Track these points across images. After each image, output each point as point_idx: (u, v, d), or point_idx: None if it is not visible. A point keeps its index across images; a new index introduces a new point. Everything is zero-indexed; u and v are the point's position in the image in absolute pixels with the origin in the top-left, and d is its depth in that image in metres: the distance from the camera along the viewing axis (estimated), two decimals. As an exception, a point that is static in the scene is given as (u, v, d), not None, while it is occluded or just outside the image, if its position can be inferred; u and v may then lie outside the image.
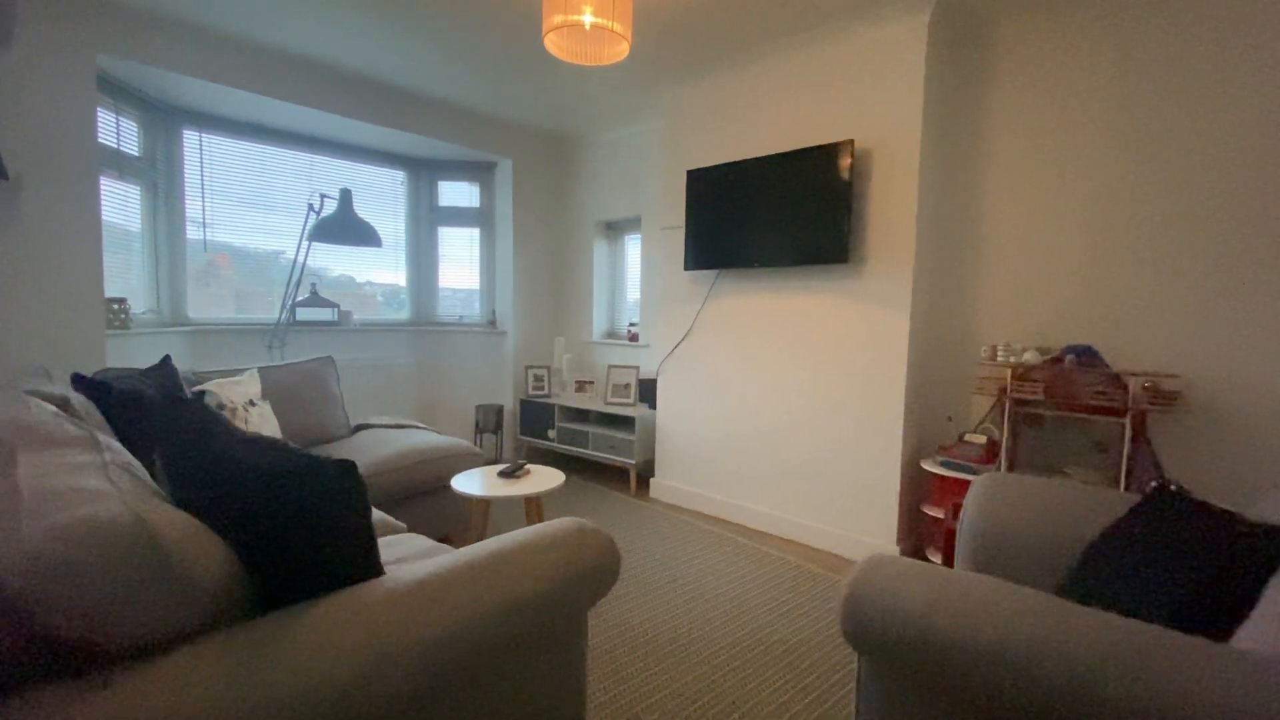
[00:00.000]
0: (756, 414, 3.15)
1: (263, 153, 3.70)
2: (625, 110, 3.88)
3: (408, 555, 1.59)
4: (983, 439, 2.56)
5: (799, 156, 2.80)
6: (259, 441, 1.07)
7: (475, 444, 4.34)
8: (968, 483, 2.46)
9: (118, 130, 3.00)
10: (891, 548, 2.67)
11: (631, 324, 4.39)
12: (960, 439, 2.63)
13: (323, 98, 3.43)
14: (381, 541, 1.73)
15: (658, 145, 3.90)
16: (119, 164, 3.02)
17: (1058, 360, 2.38)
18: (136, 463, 1.17)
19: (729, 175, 3.08)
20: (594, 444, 3.87)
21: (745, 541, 2.93)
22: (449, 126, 3.97)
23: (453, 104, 3.92)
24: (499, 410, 4.31)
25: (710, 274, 3.31)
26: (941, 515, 2.54)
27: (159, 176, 3.32)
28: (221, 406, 2.28)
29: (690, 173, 3.25)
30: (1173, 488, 2.16)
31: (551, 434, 4.10)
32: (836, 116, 2.79)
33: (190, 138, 3.43)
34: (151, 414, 1.10)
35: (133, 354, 2.98)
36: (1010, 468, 2.47)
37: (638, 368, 3.99)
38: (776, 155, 2.89)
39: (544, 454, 4.55)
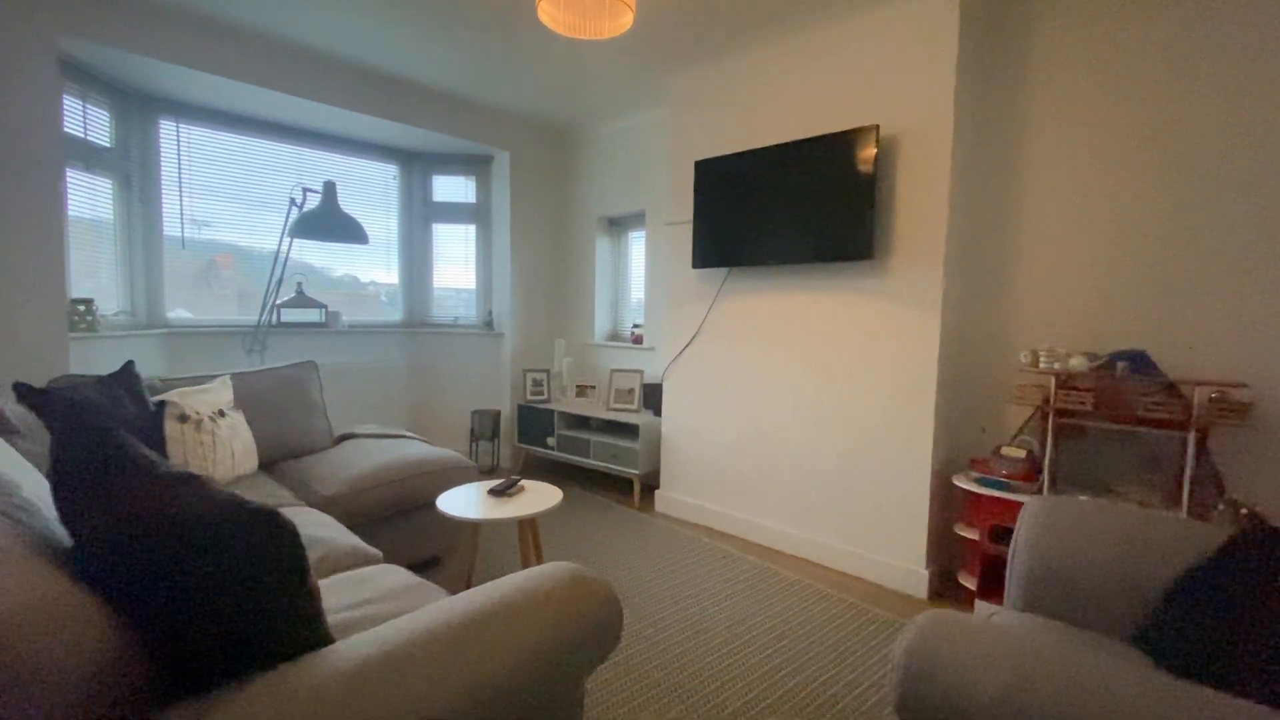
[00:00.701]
0: (771, 423, 2.93)
1: (246, 144, 3.49)
2: (629, 98, 3.66)
3: (376, 596, 1.38)
4: (1021, 453, 2.33)
5: (818, 144, 2.58)
6: (172, 479, 0.86)
7: (470, 451, 4.14)
8: (1005, 501, 2.24)
9: (85, 119, 2.80)
10: (920, 571, 2.45)
11: (635, 326, 4.17)
12: (995, 452, 2.40)
13: (309, 85, 3.23)
14: (350, 577, 1.52)
15: (663, 136, 3.68)
16: (87, 155, 2.82)
17: (1108, 367, 2.15)
18: (32, 504, 0.95)
19: (741, 165, 2.86)
20: (595, 453, 3.65)
21: (760, 562, 2.71)
22: (443, 117, 3.76)
23: (447, 92, 3.71)
24: (495, 416, 4.10)
25: (720, 272, 3.09)
26: (976, 537, 2.32)
27: (133, 169, 3.12)
28: (184, 418, 2.07)
29: (699, 163, 3.03)
30: (1243, 511, 1.94)
31: (551, 442, 3.88)
32: (860, 100, 2.56)
33: (167, 128, 3.23)
34: (54, 442, 0.88)
35: (100, 359, 2.78)
36: (1052, 484, 2.24)
37: (642, 372, 3.77)
38: (793, 143, 2.66)
39: (543, 462, 4.34)
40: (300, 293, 3.65)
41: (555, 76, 3.38)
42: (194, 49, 2.84)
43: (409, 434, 2.94)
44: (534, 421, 3.99)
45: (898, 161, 2.46)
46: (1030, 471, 2.28)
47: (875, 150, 2.41)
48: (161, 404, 2.06)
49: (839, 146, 2.51)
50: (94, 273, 2.92)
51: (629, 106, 3.79)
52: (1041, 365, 2.22)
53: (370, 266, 4.14)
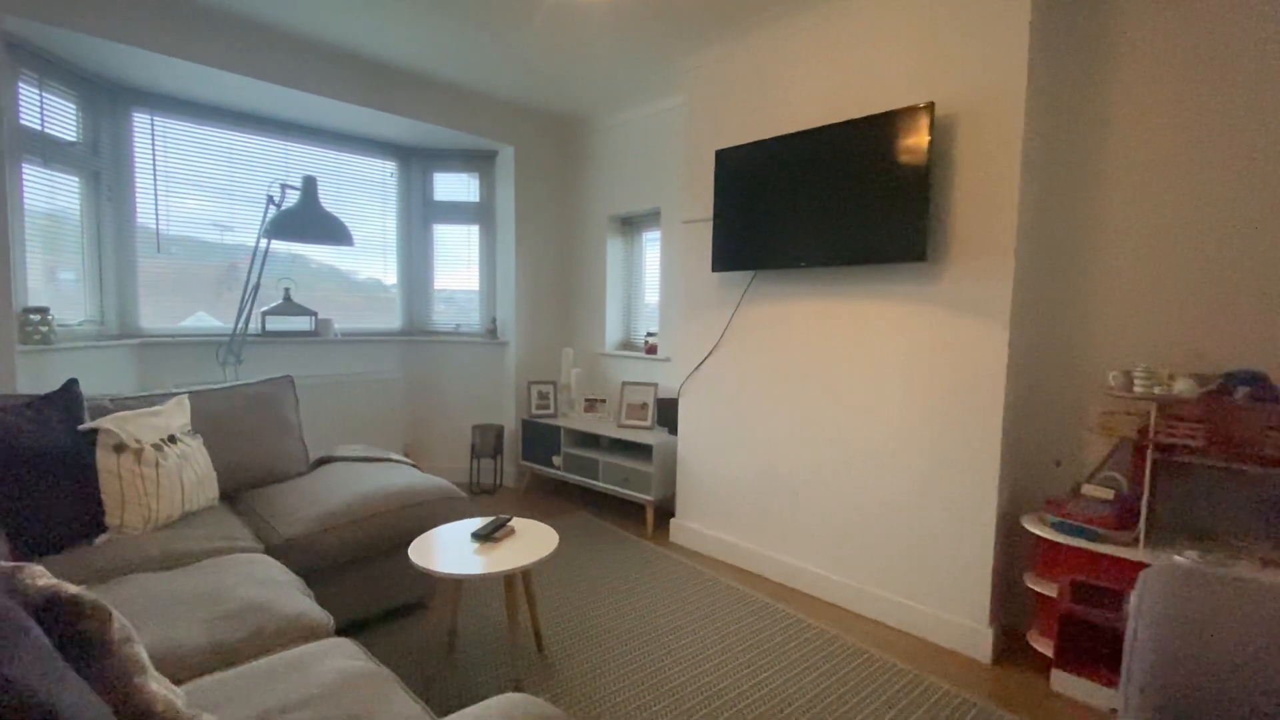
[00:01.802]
0: (803, 447, 2.56)
1: (229, 139, 3.23)
2: (640, 83, 3.32)
3: (301, 699, 1.06)
4: (1108, 493, 1.94)
5: (861, 127, 2.22)
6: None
7: (471, 470, 3.85)
8: (1090, 554, 1.85)
9: (42, 110, 2.55)
10: (982, 629, 2.07)
11: (649, 334, 3.83)
12: (1075, 491, 2.02)
13: (296, 75, 2.95)
14: (283, 662, 1.20)
15: (679, 126, 3.34)
16: (45, 149, 2.56)
17: (1222, 392, 1.76)
18: None
19: (768, 154, 2.51)
20: (605, 475, 3.32)
21: (792, 612, 2.35)
22: (443, 109, 3.47)
23: (446, 82, 3.41)
24: (498, 432, 3.79)
25: (744, 275, 2.74)
26: (1052, 593, 1.94)
27: (103, 165, 2.87)
28: (121, 448, 1.78)
29: (720, 153, 2.68)
30: None
31: (557, 461, 3.56)
32: (908, 76, 2.20)
33: (141, 121, 2.97)
34: None
35: (56, 373, 2.51)
36: (1149, 534, 1.85)
37: (656, 386, 3.43)
38: (830, 126, 2.31)
39: (548, 482, 4.02)
40: (287, 299, 3.38)
41: (560, 60, 3.05)
42: (166, 33, 2.57)
43: (396, 457, 2.64)
44: (539, 438, 3.67)
45: (956, 146, 2.09)
46: (1121, 517, 1.89)
47: (929, 133, 2.04)
48: (94, 432, 1.77)
49: (886, 129, 2.15)
50: (57, 278, 2.67)
51: (641, 93, 3.45)
52: (1137, 389, 1.84)
53: (367, 270, 3.87)
